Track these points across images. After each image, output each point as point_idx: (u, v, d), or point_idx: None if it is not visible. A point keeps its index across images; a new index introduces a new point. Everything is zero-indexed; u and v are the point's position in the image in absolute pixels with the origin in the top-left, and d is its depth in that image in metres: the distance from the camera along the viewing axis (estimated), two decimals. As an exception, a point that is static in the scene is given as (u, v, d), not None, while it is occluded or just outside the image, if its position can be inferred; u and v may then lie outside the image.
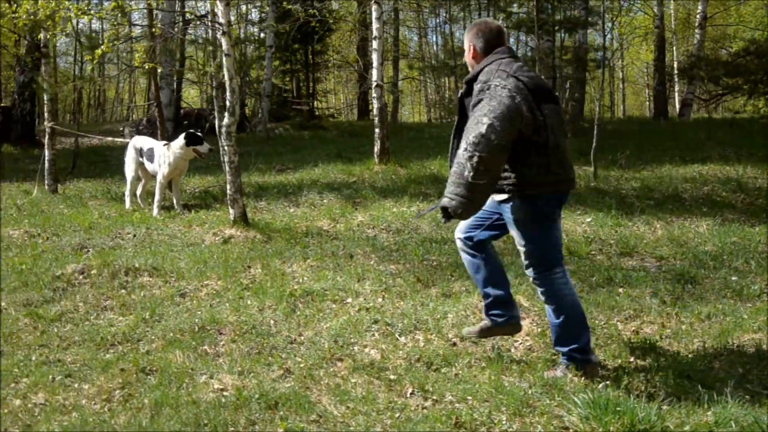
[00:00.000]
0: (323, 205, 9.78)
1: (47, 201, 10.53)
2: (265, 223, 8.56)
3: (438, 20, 31.49)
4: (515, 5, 22.00)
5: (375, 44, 12.23)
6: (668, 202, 9.55)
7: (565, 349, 4.50)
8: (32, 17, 9.07)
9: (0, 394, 4.24)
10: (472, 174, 4.10)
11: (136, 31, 13.79)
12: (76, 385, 4.32)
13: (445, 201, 4.22)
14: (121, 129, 24.73)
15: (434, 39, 39.16)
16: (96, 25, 32.69)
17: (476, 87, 4.40)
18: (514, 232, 4.54)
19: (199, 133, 9.52)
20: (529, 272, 4.56)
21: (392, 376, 4.45)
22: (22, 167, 14.83)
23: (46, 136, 11.35)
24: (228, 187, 8.35)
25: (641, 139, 15.47)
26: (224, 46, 8.27)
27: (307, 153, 16.25)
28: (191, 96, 39.19)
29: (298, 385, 4.34)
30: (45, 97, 11.53)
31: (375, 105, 12.63)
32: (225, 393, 4.19)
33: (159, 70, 11.58)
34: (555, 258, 4.51)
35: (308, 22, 14.28)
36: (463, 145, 4.20)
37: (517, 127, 4.20)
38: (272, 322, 5.46)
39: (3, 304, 5.86)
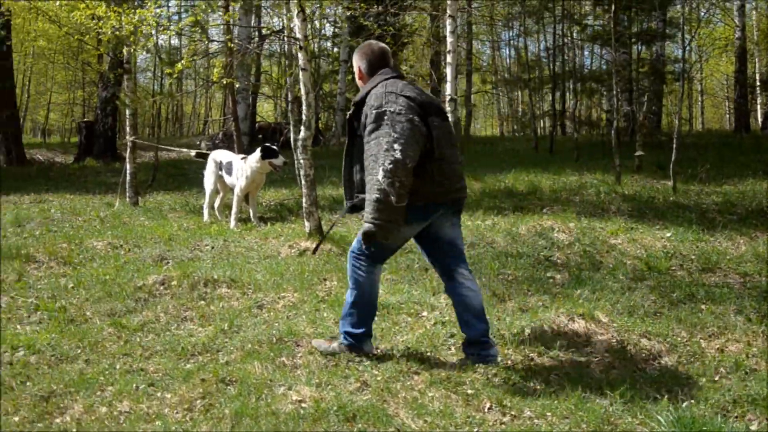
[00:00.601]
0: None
1: (128, 213, 10.79)
2: (340, 236, 8.62)
3: (511, 33, 31.36)
4: (590, 18, 21.80)
5: (449, 58, 12.20)
6: (751, 218, 9.33)
7: (345, 330, 4.98)
8: (116, 33, 9.33)
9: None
10: (395, 199, 4.40)
11: (214, 46, 14.02)
12: (158, 394, 4.40)
13: (368, 227, 4.46)
14: (198, 143, 25.21)
15: (507, 52, 39.06)
16: (174, 41, 33.41)
17: (367, 111, 4.65)
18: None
19: (274, 147, 9.63)
20: (354, 246, 4.95)
21: (470, 391, 4.43)
22: (104, 180, 15.25)
23: (128, 150, 11.64)
24: (303, 200, 8.43)
25: (722, 152, 15.17)
26: (301, 61, 8.38)
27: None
28: (266, 110, 39.73)
29: (375, 397, 4.35)
30: (127, 112, 11.83)
31: (449, 119, 12.60)
32: (303, 405, 4.22)
33: (236, 85, 11.77)
34: (383, 257, 5.01)
35: (382, 37, 14.35)
36: (380, 172, 4.43)
37: (421, 145, 4.55)
38: (349, 334, 5.48)
39: (88, 313, 6.01)
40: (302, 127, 8.45)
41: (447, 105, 12.20)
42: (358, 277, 4.92)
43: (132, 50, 10.95)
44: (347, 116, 4.99)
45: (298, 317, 5.90)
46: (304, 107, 8.40)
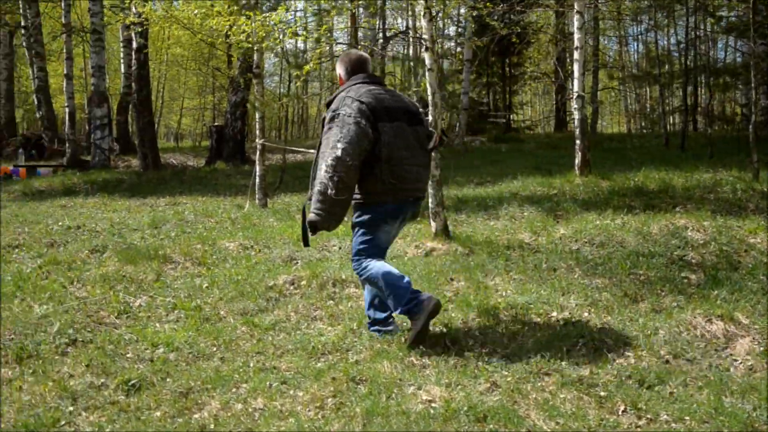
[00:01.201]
0: (524, 218, 9.70)
1: (258, 215, 11.05)
2: (466, 236, 8.58)
3: (639, 28, 30.53)
4: (725, 9, 21.00)
5: (576, 54, 12.02)
6: None
7: (397, 311, 5.22)
8: (249, 39, 9.57)
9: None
10: (334, 192, 4.98)
11: (339, 48, 14.21)
12: (291, 392, 4.48)
13: (312, 217, 5.07)
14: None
15: (635, 47, 38.10)
16: (300, 44, 34.06)
17: (328, 114, 5.24)
18: (354, 231, 5.50)
19: None
20: (354, 260, 5.50)
21: (602, 393, 4.33)
22: (234, 183, 15.68)
23: (257, 153, 11.91)
24: (430, 200, 8.44)
25: None
26: (427, 61, 8.39)
27: (504, 165, 16.21)
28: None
29: (505, 398, 4.30)
30: (256, 115, 12.12)
31: (576, 116, 12.41)
32: (433, 404, 4.21)
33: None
34: (375, 252, 5.41)
35: (506, 35, 14.23)
36: (323, 167, 5.02)
37: (364, 147, 5.06)
38: (477, 334, 5.45)
39: (222, 312, 6.19)
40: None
41: (574, 102, 12.02)
42: (368, 273, 5.33)
43: (262, 55, 11.21)
44: (322, 118, 5.41)
45: (426, 317, 5.90)
46: (430, 107, 8.40)
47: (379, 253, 5.45)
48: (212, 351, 5.29)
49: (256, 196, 11.91)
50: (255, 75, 12.03)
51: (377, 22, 19.14)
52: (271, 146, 15.09)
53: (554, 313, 5.87)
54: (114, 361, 5.05)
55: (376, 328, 5.51)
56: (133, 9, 17.08)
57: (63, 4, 25.18)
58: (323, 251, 8.34)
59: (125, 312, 6.21)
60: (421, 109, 5.74)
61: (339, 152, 4.97)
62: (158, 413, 4.21)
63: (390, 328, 5.48)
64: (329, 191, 4.98)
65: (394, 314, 5.46)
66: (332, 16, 10.91)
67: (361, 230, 5.43)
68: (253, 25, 9.46)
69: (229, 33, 10.32)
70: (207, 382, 4.63)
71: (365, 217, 5.37)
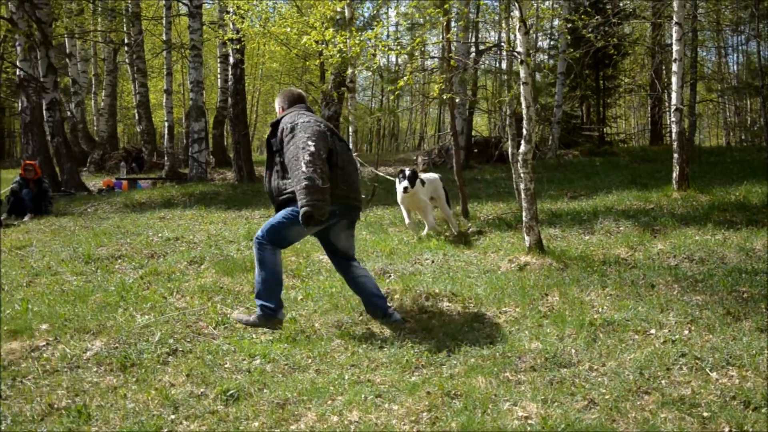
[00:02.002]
0: (619, 232, 9.53)
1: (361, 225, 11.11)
2: (561, 250, 8.48)
3: (740, 38, 29.70)
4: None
5: (675, 66, 11.77)
6: None
7: (260, 303, 5.99)
8: (343, 56, 9.69)
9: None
10: (320, 182, 5.53)
11: (432, 62, 14.23)
12: (386, 406, 4.49)
13: (304, 210, 5.52)
14: (414, 158, 25.69)
15: (735, 58, 37.11)
16: (392, 59, 34.26)
17: (283, 128, 5.86)
18: (282, 211, 5.98)
19: (404, 171, 9.82)
20: (259, 234, 5.99)
21: (705, 414, 4.22)
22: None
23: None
24: (523, 214, 8.37)
25: None
26: (522, 75, 8.34)
27: (598, 179, 15.96)
28: (479, 125, 39.85)
29: (603, 416, 4.23)
30: (350, 129, 12.24)
31: (673, 129, 12.14)
32: (530, 421, 4.17)
33: (457, 100, 11.87)
34: (281, 246, 6.07)
35: (602, 48, 14.03)
36: (302, 165, 5.56)
37: (327, 144, 5.75)
38: (573, 351, 5.37)
39: (317, 325, 6.25)
40: (522, 141, 8.40)
41: (672, 115, 11.76)
42: (265, 259, 5.93)
43: (356, 70, 11.33)
44: (267, 136, 6.21)
45: (521, 332, 5.86)
46: (525, 121, 8.34)
47: (284, 245, 6.16)
48: (307, 363, 5.35)
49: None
50: (349, 89, 12.16)
51: (469, 36, 19.14)
52: (361, 162, 15.18)
53: (653, 330, 5.74)
54: (213, 371, 5.16)
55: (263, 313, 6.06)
56: (231, 26, 17.54)
57: (164, 22, 26.03)
58: (416, 264, 8.34)
59: (223, 323, 6.34)
60: None
61: (312, 148, 5.59)
62: (256, 423, 4.28)
63: (279, 317, 6.09)
64: (317, 182, 5.52)
65: (254, 298, 6.17)
66: (425, 30, 10.93)
67: (287, 219, 5.90)
68: (348, 42, 9.57)
69: (323, 50, 10.47)
70: (303, 393, 4.69)
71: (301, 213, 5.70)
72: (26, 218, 14.23)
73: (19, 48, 19.91)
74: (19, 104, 20.33)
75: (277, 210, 6.07)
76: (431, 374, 5.04)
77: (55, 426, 4.34)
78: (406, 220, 10.01)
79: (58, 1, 25.00)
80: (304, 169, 5.52)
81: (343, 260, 6.37)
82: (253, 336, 5.98)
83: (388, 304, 6.32)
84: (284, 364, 5.30)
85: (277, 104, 6.44)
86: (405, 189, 9.60)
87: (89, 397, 4.75)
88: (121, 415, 4.43)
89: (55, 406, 4.62)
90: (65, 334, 6.00)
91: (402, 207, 10.03)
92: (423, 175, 10.18)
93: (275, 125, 6.05)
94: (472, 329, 5.99)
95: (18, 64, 19.82)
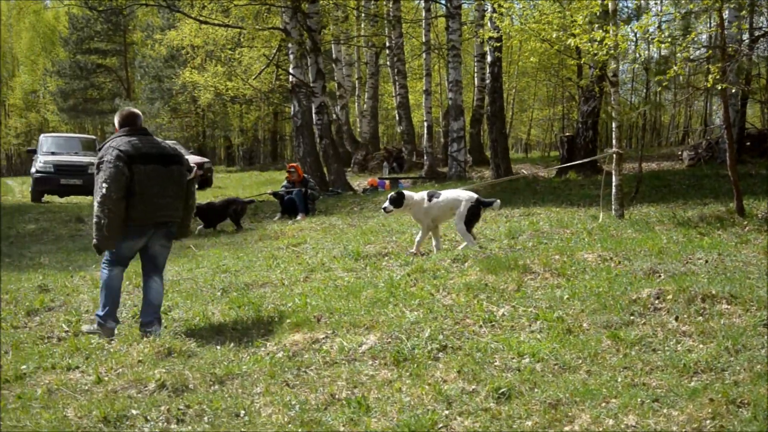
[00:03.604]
0: None
1: (615, 225, 10.80)
2: None
3: None
4: None
5: None
6: None
7: (97, 313, 6.98)
8: (611, 52, 9.45)
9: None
10: (106, 222, 6.49)
11: (700, 51, 13.49)
12: (664, 411, 4.32)
13: (93, 242, 6.69)
14: (679, 153, 24.55)
15: None
16: (654, 50, 32.96)
17: (100, 156, 6.66)
18: None
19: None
20: (102, 263, 7.03)
21: None
22: (587, 193, 15.49)
23: (614, 162, 11.67)
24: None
25: None
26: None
27: None
28: (750, 116, 37.49)
29: None
30: (613, 125, 11.89)
31: None
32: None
33: (733, 90, 11.15)
34: (116, 259, 6.93)
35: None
36: (95, 203, 6.56)
37: (123, 184, 6.53)
38: None
39: (585, 324, 6.12)
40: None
41: None
42: (104, 276, 6.93)
43: (620, 64, 10.99)
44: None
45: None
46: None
47: (121, 262, 7.01)
48: (578, 363, 5.25)
49: (612, 206, 11.66)
50: (611, 83, 11.81)
51: (743, 23, 17.92)
52: (626, 155, 14.71)
53: None
54: (483, 368, 5.20)
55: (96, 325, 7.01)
56: (489, 24, 17.64)
57: (423, 24, 26.68)
58: (687, 264, 7.94)
59: (489, 321, 6.37)
60: (179, 152, 7.22)
61: (104, 191, 6.47)
62: (529, 423, 4.26)
63: (108, 326, 6.91)
64: (102, 221, 6.50)
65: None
66: (701, 21, 10.38)
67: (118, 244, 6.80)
68: (613, 37, 9.29)
69: (587, 47, 10.25)
70: (575, 394, 4.61)
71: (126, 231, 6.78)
72: (299, 217, 15.12)
73: (291, 56, 21.23)
74: (291, 109, 21.63)
75: None
76: (712, 380, 4.78)
77: (338, 415, 4.56)
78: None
79: (326, 10, 26.33)
80: (96, 207, 6.57)
81: (149, 265, 7.11)
82: (521, 335, 5.97)
83: (152, 327, 6.85)
84: (554, 364, 5.24)
85: (115, 122, 7.17)
86: (384, 209, 9.81)
87: (367, 390, 4.96)
88: (397, 408, 4.57)
89: (336, 396, 4.87)
90: (342, 327, 6.30)
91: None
92: (446, 192, 9.97)
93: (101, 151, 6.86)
94: (756, 334, 5.59)
95: (291, 70, 21.12)
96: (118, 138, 6.80)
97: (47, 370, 5.91)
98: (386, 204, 9.76)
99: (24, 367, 5.97)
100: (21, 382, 5.66)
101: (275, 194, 16.56)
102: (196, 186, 9.02)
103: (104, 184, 6.48)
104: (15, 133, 62.31)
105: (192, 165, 7.52)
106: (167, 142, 7.79)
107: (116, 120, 7.09)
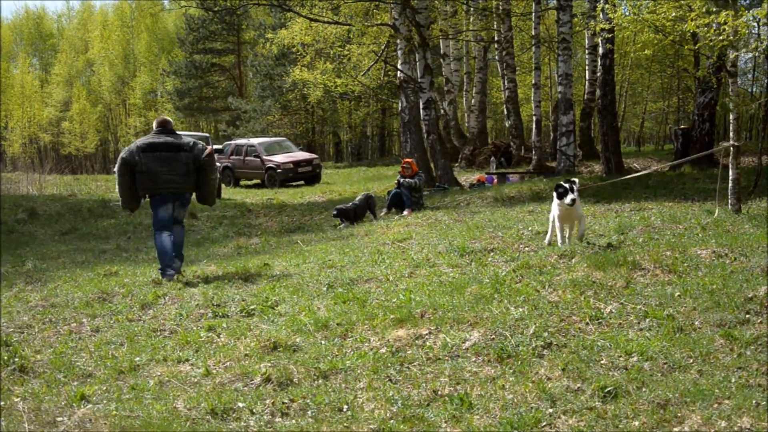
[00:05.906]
0: None
1: (731, 221, 10.40)
2: None
3: None
4: None
5: None
6: None
7: (159, 269, 9.68)
8: (727, 38, 9.10)
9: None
10: (119, 189, 9.70)
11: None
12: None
13: (120, 203, 10.00)
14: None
15: None
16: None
17: None
18: None
19: (563, 185, 8.95)
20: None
21: None
22: (702, 187, 15.00)
23: (731, 156, 11.25)
24: None
25: None
26: None
27: None
28: None
29: None
30: (731, 117, 11.46)
31: None
32: None
33: None
34: (158, 225, 9.68)
35: None
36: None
37: (128, 168, 9.46)
38: None
39: (696, 323, 5.92)
40: None
41: None
42: (156, 241, 9.63)
43: (740, 53, 10.57)
44: None
45: None
46: None
47: (162, 227, 9.63)
48: (688, 363, 5.09)
49: (729, 200, 11.24)
50: (730, 74, 11.37)
51: None
52: (744, 148, 14.16)
53: None
54: (589, 366, 5.10)
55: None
56: (601, 15, 17.28)
57: (533, 17, 26.36)
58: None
59: (596, 318, 6.23)
60: (192, 143, 9.75)
61: (118, 177, 9.57)
62: (636, 423, 4.15)
63: (168, 273, 9.50)
64: (118, 189, 9.74)
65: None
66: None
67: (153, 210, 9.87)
68: (733, 23, 8.94)
69: (703, 32, 9.90)
70: (685, 394, 4.46)
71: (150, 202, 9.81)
72: (405, 212, 15.16)
73: (399, 51, 21.32)
74: (399, 104, 21.71)
75: None
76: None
77: (440, 411, 4.55)
78: (560, 241, 9.25)
79: (435, 5, 26.30)
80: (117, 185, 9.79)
81: (175, 221, 9.85)
82: (629, 332, 5.82)
83: (174, 261, 9.64)
84: (663, 363, 5.09)
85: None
86: (573, 201, 8.86)
87: (470, 386, 4.93)
88: (500, 405, 4.53)
89: (439, 392, 4.86)
90: (445, 323, 6.28)
91: (557, 224, 9.27)
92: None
93: None
94: None
95: (399, 66, 21.21)
96: (143, 138, 9.67)
97: (159, 362, 6.13)
98: (575, 195, 8.94)
99: (138, 359, 6.20)
100: (135, 374, 5.89)
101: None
102: (216, 162, 11.15)
103: (118, 172, 9.50)
104: (134, 132, 64.52)
105: (206, 147, 9.92)
106: (185, 135, 10.53)
107: (154, 123, 9.90)
